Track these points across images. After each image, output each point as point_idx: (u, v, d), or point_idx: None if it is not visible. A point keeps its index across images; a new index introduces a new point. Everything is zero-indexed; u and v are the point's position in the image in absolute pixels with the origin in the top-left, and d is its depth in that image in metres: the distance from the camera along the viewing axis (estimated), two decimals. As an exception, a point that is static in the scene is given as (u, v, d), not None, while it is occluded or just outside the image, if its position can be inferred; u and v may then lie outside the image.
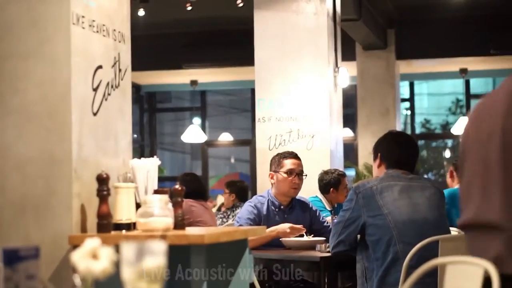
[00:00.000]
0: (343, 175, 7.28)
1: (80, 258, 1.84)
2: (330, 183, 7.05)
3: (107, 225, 3.87)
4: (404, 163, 4.71)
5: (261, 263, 5.30)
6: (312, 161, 7.71)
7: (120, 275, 1.75)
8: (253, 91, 9.41)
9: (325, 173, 7.17)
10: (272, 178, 5.62)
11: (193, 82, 14.99)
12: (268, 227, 5.34)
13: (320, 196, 7.05)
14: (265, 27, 8.62)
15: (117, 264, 1.80)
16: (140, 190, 4.16)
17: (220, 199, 11.62)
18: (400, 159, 4.71)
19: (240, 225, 5.42)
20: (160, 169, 16.03)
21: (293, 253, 5.15)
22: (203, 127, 15.70)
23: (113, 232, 3.89)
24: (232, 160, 18.53)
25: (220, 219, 8.84)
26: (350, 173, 13.15)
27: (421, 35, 12.72)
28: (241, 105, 17.90)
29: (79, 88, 4.04)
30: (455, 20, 12.32)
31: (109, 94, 4.29)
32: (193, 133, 14.66)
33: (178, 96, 18.09)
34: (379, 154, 4.77)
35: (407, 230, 4.46)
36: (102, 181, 3.87)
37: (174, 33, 13.04)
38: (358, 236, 4.62)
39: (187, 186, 6.97)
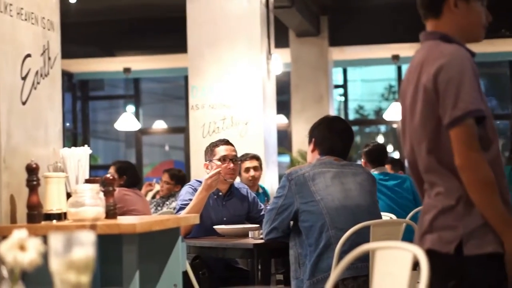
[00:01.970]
0: (257, 158, 7.53)
1: (7, 250, 1.82)
2: None
3: (37, 215, 3.82)
4: (337, 150, 4.73)
5: (194, 251, 5.30)
6: (246, 148, 7.73)
7: (48, 266, 1.73)
8: (186, 78, 9.38)
9: None
10: (207, 168, 5.60)
11: (126, 70, 14.88)
12: (205, 214, 5.33)
13: None
14: (198, 14, 8.60)
15: (45, 255, 1.79)
16: (71, 179, 4.12)
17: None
18: (333, 147, 4.73)
19: (182, 205, 5.39)
20: (94, 157, 15.91)
21: (227, 241, 5.14)
22: (137, 114, 15.60)
23: (43, 223, 3.84)
24: (167, 148, 18.46)
25: (154, 207, 8.80)
26: (284, 159, 13.22)
27: (354, 22, 12.80)
28: (175, 93, 17.83)
29: (7, 77, 3.98)
30: (387, 7, 12.43)
31: (38, 83, 4.24)
32: (127, 121, 14.56)
33: (111, 83, 17.94)
34: (313, 139, 4.78)
35: (340, 216, 4.49)
36: (32, 171, 3.82)
37: (107, 20, 12.92)
38: (291, 222, 4.64)
39: (120, 174, 6.98)
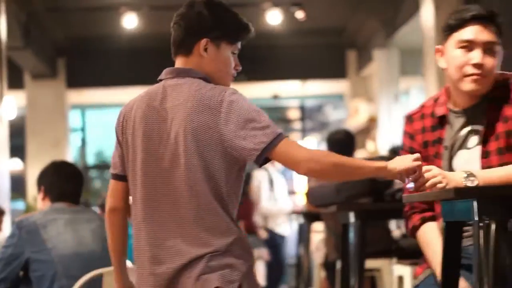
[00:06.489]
0: (1, 212, 7.27)
1: None
2: None
3: None
4: (69, 195, 4.63)
5: None
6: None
7: None
8: None
9: None
10: None
11: None
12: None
13: None
14: None
15: None
16: None
17: None
18: (64, 192, 4.62)
19: None
20: None
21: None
22: None
23: None
24: None
25: None
26: (19, 205, 12.81)
27: (92, 64, 12.76)
28: None
29: None
30: (123, 51, 12.53)
31: None
32: None
33: None
34: (42, 187, 4.66)
35: (73, 264, 4.39)
36: None
37: None
38: (21, 272, 4.46)
39: None
